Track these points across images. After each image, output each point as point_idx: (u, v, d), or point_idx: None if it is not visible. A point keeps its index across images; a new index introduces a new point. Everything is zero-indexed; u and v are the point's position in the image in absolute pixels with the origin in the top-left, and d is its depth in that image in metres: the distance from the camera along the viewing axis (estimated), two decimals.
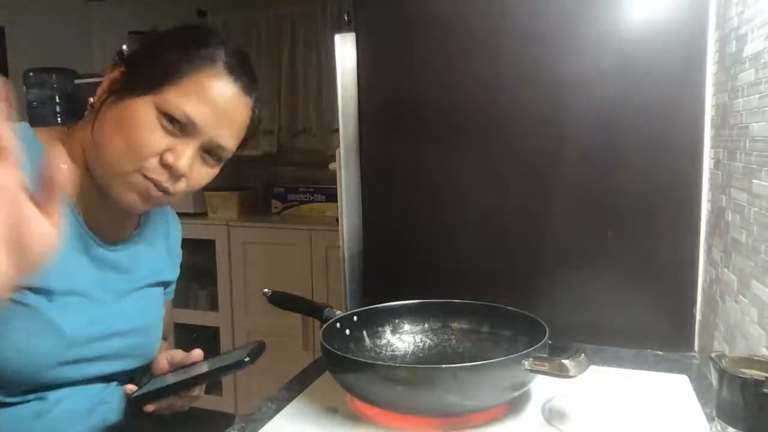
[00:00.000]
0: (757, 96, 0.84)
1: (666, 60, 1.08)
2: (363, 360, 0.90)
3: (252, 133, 0.84)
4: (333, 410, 0.90)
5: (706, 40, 1.06)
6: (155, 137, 0.74)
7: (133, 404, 0.80)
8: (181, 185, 0.78)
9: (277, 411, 0.90)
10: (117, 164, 0.75)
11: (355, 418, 0.87)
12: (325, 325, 0.97)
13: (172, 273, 1.00)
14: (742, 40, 0.91)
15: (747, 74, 0.88)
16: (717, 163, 1.05)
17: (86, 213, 0.81)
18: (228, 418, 2.84)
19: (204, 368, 0.82)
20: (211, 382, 0.82)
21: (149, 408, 0.81)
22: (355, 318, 1.04)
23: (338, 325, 1.00)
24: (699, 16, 1.06)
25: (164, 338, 1.03)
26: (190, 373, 0.82)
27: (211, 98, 0.76)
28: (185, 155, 0.75)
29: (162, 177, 0.76)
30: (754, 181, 0.84)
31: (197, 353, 0.86)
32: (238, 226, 2.79)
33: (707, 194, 1.10)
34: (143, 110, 0.74)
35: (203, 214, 2.91)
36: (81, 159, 0.80)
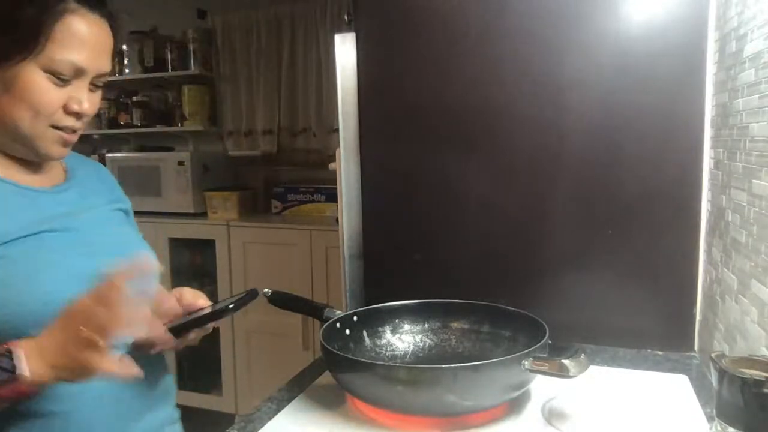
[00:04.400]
0: (757, 96, 0.84)
1: (666, 60, 1.08)
2: (363, 360, 0.90)
3: (119, 42, 0.90)
4: (333, 410, 0.90)
5: (706, 40, 1.06)
6: (53, 96, 0.81)
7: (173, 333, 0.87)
8: (85, 119, 0.86)
9: (277, 411, 0.90)
10: (31, 129, 0.82)
11: (355, 418, 0.87)
12: (325, 325, 0.97)
13: (124, 203, 1.04)
14: (742, 40, 0.91)
15: (747, 74, 0.88)
16: (717, 163, 1.05)
17: (11, 177, 0.86)
18: (228, 418, 2.84)
19: (215, 307, 0.91)
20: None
21: (189, 336, 0.90)
22: (355, 318, 1.04)
23: (338, 325, 1.00)
24: (699, 16, 1.06)
25: None
26: (206, 310, 0.91)
27: (83, 39, 0.81)
28: (84, 98, 0.83)
29: (71, 122, 0.84)
30: (754, 181, 0.84)
31: (204, 301, 0.94)
32: (238, 226, 2.79)
33: (707, 194, 1.10)
34: (31, 76, 0.79)
35: (203, 214, 2.91)
36: None
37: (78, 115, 0.84)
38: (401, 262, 1.29)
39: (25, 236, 0.80)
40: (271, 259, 2.73)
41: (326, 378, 0.98)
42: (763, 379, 0.65)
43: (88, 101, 0.84)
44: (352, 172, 1.32)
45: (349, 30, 1.28)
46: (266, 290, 1.10)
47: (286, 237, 2.72)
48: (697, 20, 1.06)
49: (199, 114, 3.14)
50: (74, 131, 0.85)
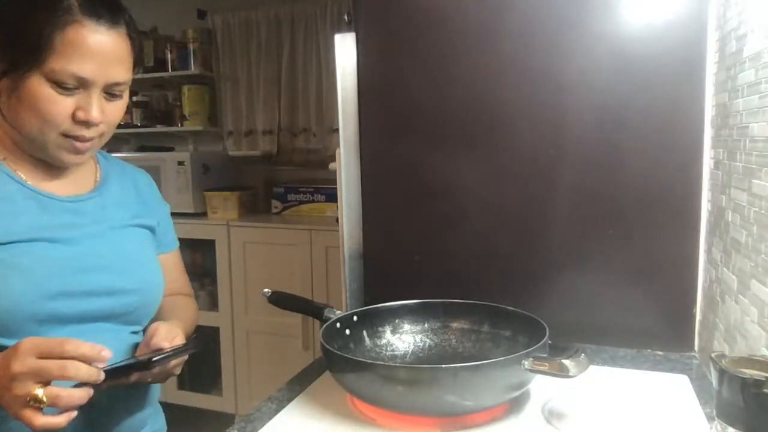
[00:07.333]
0: (757, 96, 0.84)
1: (666, 60, 1.08)
2: (363, 360, 0.90)
3: (138, 52, 0.89)
4: (333, 410, 0.90)
5: (706, 40, 1.06)
6: (60, 105, 0.81)
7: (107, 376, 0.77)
8: (101, 128, 0.86)
9: (277, 411, 0.90)
10: (40, 136, 0.83)
11: (355, 418, 0.87)
12: (325, 325, 0.97)
13: (153, 218, 1.04)
14: (742, 40, 0.91)
15: (747, 74, 0.88)
16: (717, 163, 1.05)
17: (33, 182, 0.88)
18: (228, 418, 2.85)
19: (159, 354, 0.82)
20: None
21: (103, 386, 0.77)
22: (355, 318, 1.04)
23: (338, 325, 1.00)
24: (699, 16, 1.06)
25: (185, 293, 1.10)
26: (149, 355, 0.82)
27: (88, 50, 0.80)
28: (92, 106, 0.83)
29: (81, 131, 0.84)
30: (754, 181, 0.84)
31: (178, 341, 0.87)
32: (238, 226, 2.79)
33: (707, 194, 1.10)
34: (37, 86, 0.80)
35: (203, 214, 2.91)
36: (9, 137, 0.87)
37: (87, 124, 0.83)
38: (401, 262, 1.29)
39: (21, 241, 0.81)
40: (271, 259, 2.73)
41: (326, 378, 0.98)
42: (763, 379, 0.65)
43: (100, 110, 0.83)
44: (352, 172, 1.32)
45: (349, 30, 1.28)
46: (266, 290, 1.10)
47: (286, 237, 2.72)
48: (697, 20, 1.06)
49: (199, 114, 3.14)
50: (88, 140, 0.85)
